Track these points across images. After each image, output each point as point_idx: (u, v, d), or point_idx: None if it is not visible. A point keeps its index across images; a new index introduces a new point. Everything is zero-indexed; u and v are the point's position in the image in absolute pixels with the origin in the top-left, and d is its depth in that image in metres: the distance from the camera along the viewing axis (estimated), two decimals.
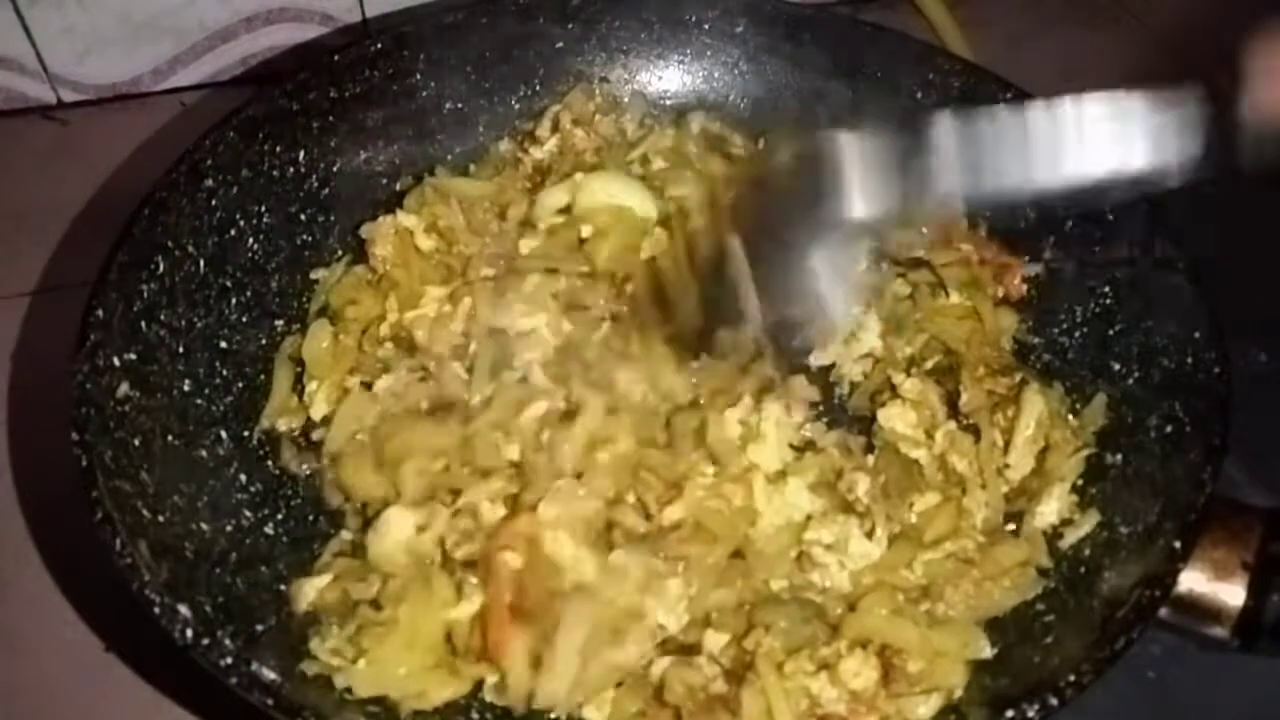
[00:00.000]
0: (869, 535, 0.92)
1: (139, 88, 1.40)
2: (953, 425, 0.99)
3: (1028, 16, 1.51)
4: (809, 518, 0.94)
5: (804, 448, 0.97)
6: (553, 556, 0.88)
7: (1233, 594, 0.84)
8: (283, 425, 1.02)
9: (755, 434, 0.96)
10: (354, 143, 1.13)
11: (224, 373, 1.01)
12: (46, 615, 1.00)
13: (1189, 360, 0.93)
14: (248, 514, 0.95)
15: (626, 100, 1.24)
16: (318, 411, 1.02)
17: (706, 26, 1.21)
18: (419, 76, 1.15)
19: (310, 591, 0.89)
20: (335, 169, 1.12)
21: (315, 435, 1.02)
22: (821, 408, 1.02)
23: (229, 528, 0.92)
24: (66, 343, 0.89)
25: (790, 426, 0.97)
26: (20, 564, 1.03)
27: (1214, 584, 0.84)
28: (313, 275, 1.10)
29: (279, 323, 1.07)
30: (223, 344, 1.01)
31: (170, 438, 0.93)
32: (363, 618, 0.87)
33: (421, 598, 0.88)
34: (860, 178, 0.73)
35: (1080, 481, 0.97)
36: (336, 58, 1.11)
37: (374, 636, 0.86)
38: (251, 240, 1.06)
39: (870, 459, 0.99)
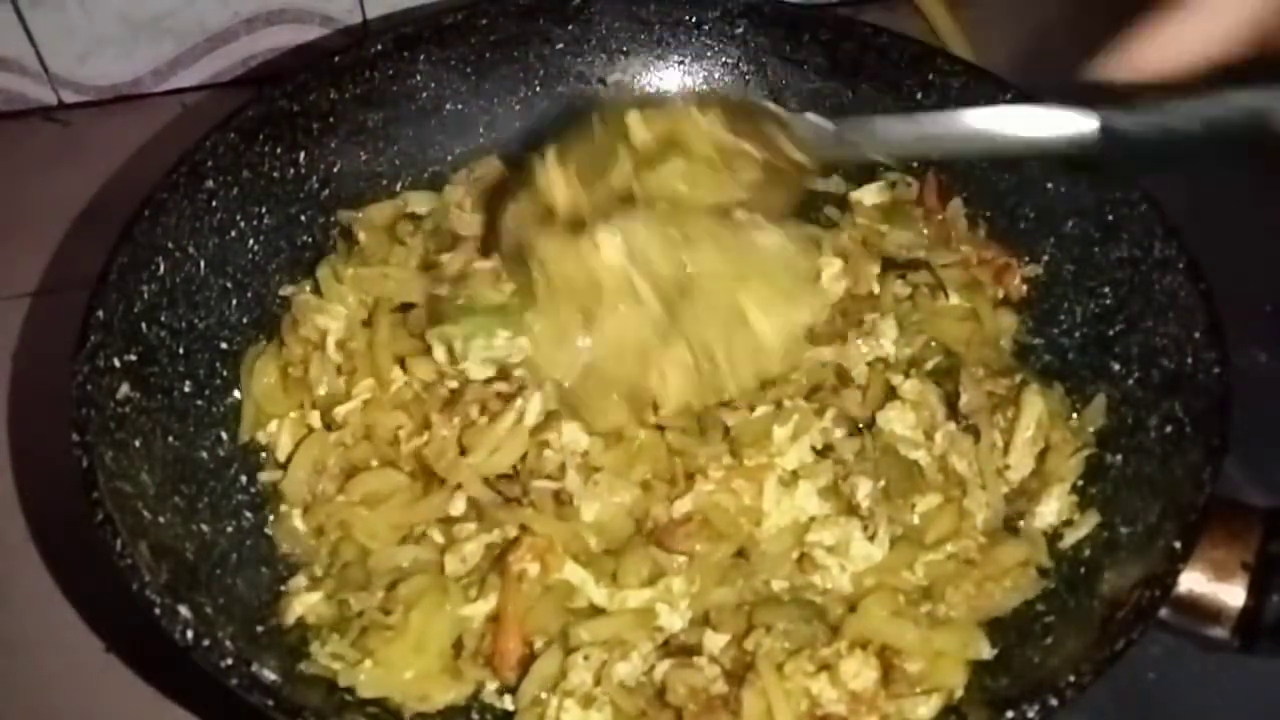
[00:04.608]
0: (871, 538, 0.92)
1: (139, 89, 1.40)
2: (953, 426, 0.99)
3: (1028, 17, 1.51)
4: (812, 519, 0.94)
5: (823, 451, 0.97)
6: (567, 577, 0.89)
7: (1233, 594, 0.84)
8: (262, 438, 1.00)
9: (784, 420, 0.95)
10: (354, 144, 1.13)
11: (224, 374, 1.01)
12: (46, 615, 1.01)
13: (1189, 360, 0.93)
14: (248, 515, 0.95)
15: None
16: (282, 451, 0.98)
17: (706, 27, 1.21)
18: (419, 78, 1.15)
19: (299, 607, 0.89)
20: (335, 170, 1.12)
21: None
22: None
23: (229, 529, 0.93)
24: (66, 343, 0.89)
25: (816, 429, 0.97)
26: (20, 564, 1.04)
27: (1214, 584, 0.84)
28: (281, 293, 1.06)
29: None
30: (223, 345, 1.01)
31: (170, 439, 0.93)
32: (369, 620, 0.87)
33: (434, 603, 0.88)
34: None
35: (1080, 482, 0.97)
36: (337, 59, 1.11)
37: (381, 639, 0.86)
38: (252, 241, 1.06)
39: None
